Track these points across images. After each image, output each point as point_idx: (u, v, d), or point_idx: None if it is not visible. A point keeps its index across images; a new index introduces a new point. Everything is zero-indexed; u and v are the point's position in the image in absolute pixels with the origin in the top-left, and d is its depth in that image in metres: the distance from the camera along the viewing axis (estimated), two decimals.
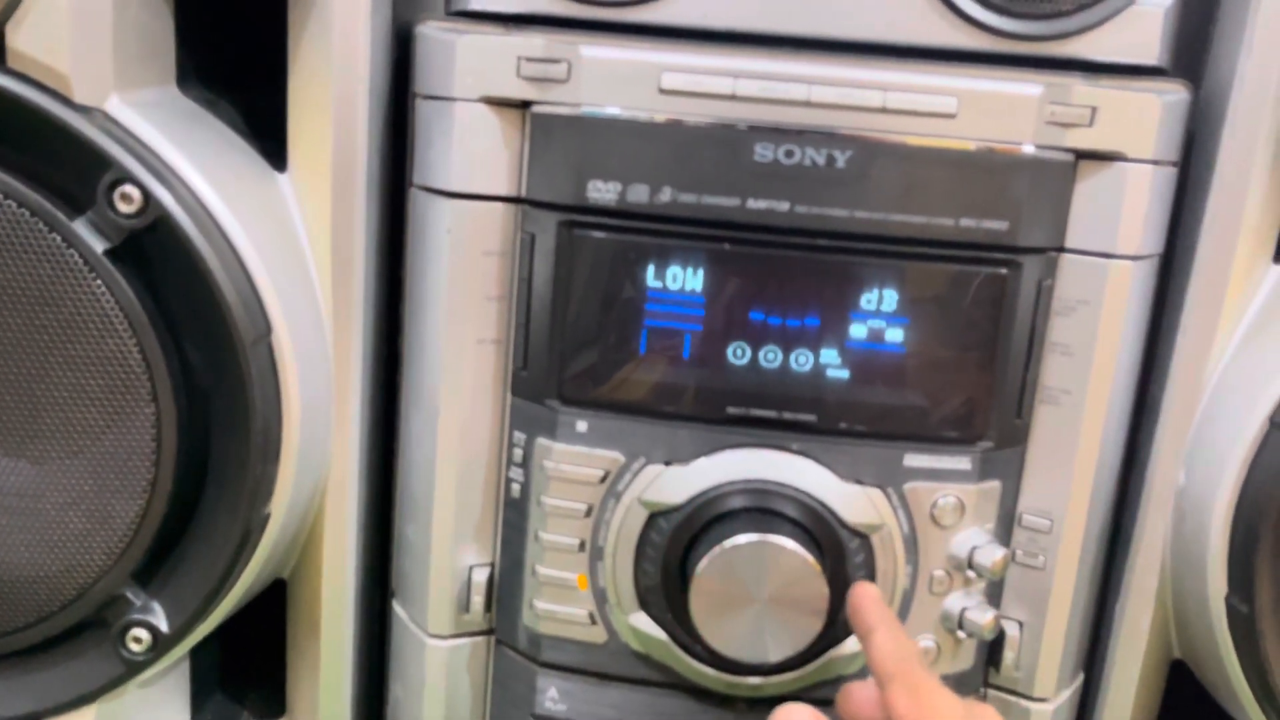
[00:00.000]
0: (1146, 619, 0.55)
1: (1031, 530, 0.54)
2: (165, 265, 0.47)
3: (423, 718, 0.57)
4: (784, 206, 0.49)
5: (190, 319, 0.48)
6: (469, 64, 0.49)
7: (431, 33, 0.51)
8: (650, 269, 0.50)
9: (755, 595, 0.48)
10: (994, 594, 0.54)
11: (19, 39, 0.44)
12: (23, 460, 0.48)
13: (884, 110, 0.48)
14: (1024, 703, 0.55)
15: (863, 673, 0.54)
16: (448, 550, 0.55)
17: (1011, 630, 0.55)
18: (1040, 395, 0.52)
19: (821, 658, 0.52)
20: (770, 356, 0.51)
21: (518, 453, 0.53)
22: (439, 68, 0.51)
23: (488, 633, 0.57)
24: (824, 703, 0.53)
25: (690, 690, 0.54)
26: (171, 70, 0.52)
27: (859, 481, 0.51)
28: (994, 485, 0.52)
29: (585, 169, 0.49)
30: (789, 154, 0.48)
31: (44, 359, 0.47)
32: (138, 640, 0.51)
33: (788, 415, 0.51)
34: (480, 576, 0.55)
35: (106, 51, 0.46)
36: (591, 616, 0.54)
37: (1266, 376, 0.50)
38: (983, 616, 0.52)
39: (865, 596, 0.48)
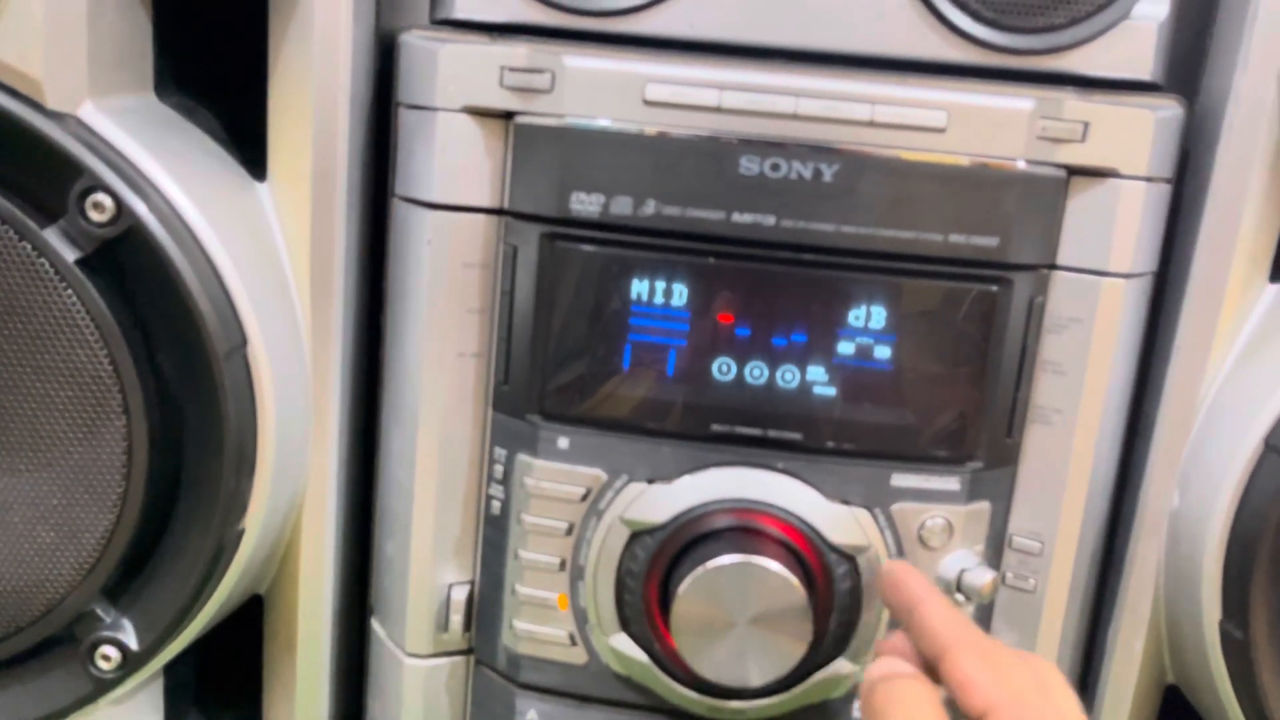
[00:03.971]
0: (1139, 644, 0.54)
1: (1022, 552, 0.53)
2: (138, 275, 0.47)
3: None
4: (770, 220, 0.48)
5: (163, 330, 0.47)
6: (452, 73, 0.49)
7: (414, 41, 0.50)
8: (634, 283, 0.49)
9: (738, 617, 0.47)
10: (984, 617, 0.53)
11: None
12: None
13: (872, 124, 0.47)
14: None
15: (849, 696, 0.53)
16: (427, 568, 0.54)
17: None
18: (1031, 415, 0.51)
19: (805, 682, 0.51)
20: (756, 373, 0.50)
21: (498, 469, 0.52)
22: (422, 77, 0.50)
23: (467, 652, 0.56)
24: None
25: (672, 714, 0.53)
26: (149, 77, 0.51)
27: (845, 501, 0.50)
28: (983, 506, 0.51)
29: (568, 181, 0.48)
30: (775, 167, 0.47)
31: (13, 370, 0.46)
32: (106, 658, 0.50)
33: (773, 433, 0.50)
34: (459, 595, 0.54)
35: (81, 57, 0.45)
36: (572, 637, 0.53)
37: (1262, 397, 0.49)
38: None
39: (906, 571, 0.46)
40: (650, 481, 0.50)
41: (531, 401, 0.51)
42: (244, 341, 0.48)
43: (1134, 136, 0.48)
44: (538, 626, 0.53)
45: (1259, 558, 0.48)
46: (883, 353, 0.49)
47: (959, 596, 0.51)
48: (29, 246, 0.45)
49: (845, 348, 0.49)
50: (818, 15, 0.50)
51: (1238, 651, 0.49)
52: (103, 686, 0.51)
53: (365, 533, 0.58)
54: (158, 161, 0.47)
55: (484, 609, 0.54)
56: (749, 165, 0.47)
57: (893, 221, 0.48)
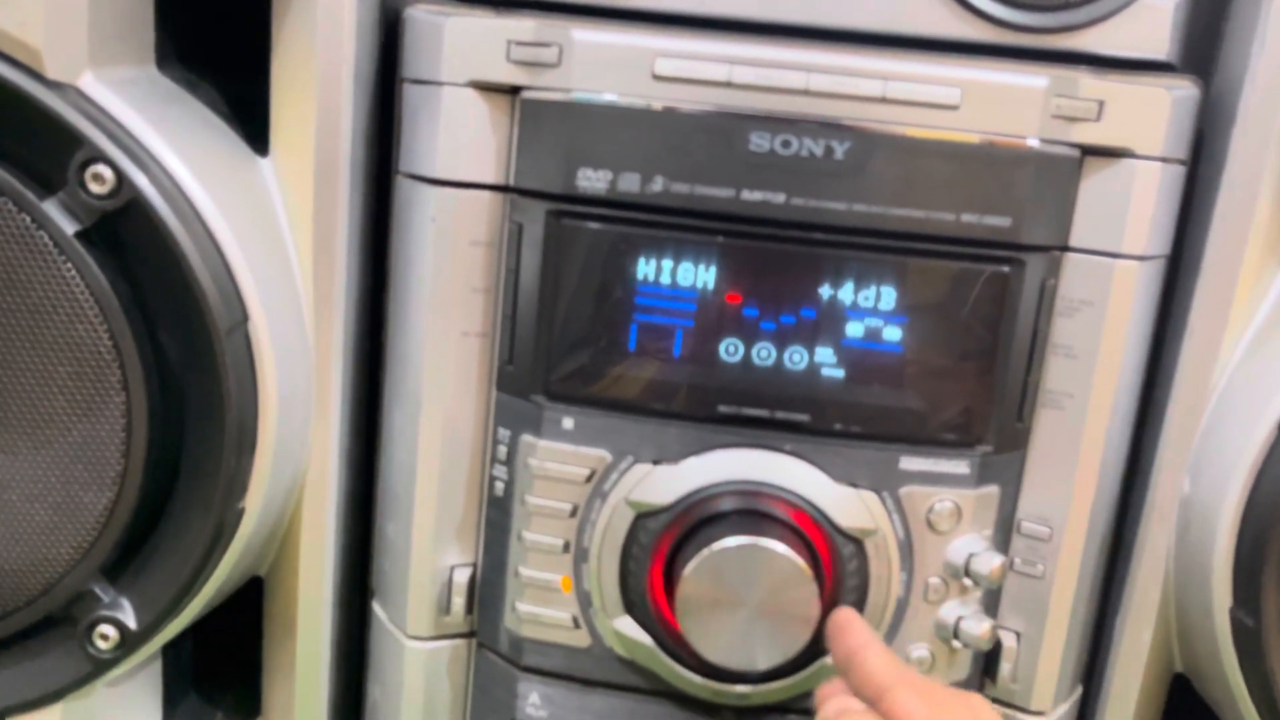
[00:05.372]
0: (1148, 631, 0.54)
1: (1031, 538, 0.52)
2: (139, 249, 0.46)
3: None
4: (780, 198, 0.47)
5: (164, 305, 0.47)
6: (457, 47, 0.48)
7: (419, 15, 0.50)
8: (641, 262, 0.49)
9: (744, 600, 0.47)
10: (991, 603, 0.53)
11: None
12: None
13: (884, 100, 0.46)
14: (1020, 716, 0.54)
15: None
16: (428, 549, 0.54)
17: (1008, 641, 0.53)
18: (1042, 398, 0.51)
19: (811, 666, 0.51)
20: (764, 354, 0.49)
21: (502, 450, 0.52)
22: (426, 51, 0.49)
23: (469, 635, 0.55)
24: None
25: (676, 698, 0.53)
26: (150, 49, 0.50)
27: (853, 484, 0.50)
28: (993, 490, 0.51)
29: (575, 157, 0.47)
30: (786, 144, 0.47)
31: (11, 345, 0.45)
32: (105, 638, 0.49)
33: (781, 415, 0.49)
34: (461, 577, 0.54)
35: (81, 27, 0.44)
36: (575, 620, 0.52)
37: (1275, 383, 0.49)
38: (979, 626, 0.51)
39: (851, 618, 0.47)
40: (656, 463, 0.50)
41: (536, 382, 0.50)
42: (245, 318, 0.48)
43: (1149, 116, 0.47)
44: (541, 609, 0.52)
45: (1271, 544, 0.48)
46: (892, 334, 0.49)
47: (966, 581, 0.51)
48: (28, 219, 0.44)
49: (854, 329, 0.49)
50: None
51: (1248, 639, 0.49)
52: (101, 666, 0.50)
53: (366, 514, 0.58)
54: (159, 134, 0.46)
55: (486, 591, 0.54)
56: (759, 142, 0.47)
57: (904, 200, 0.47)
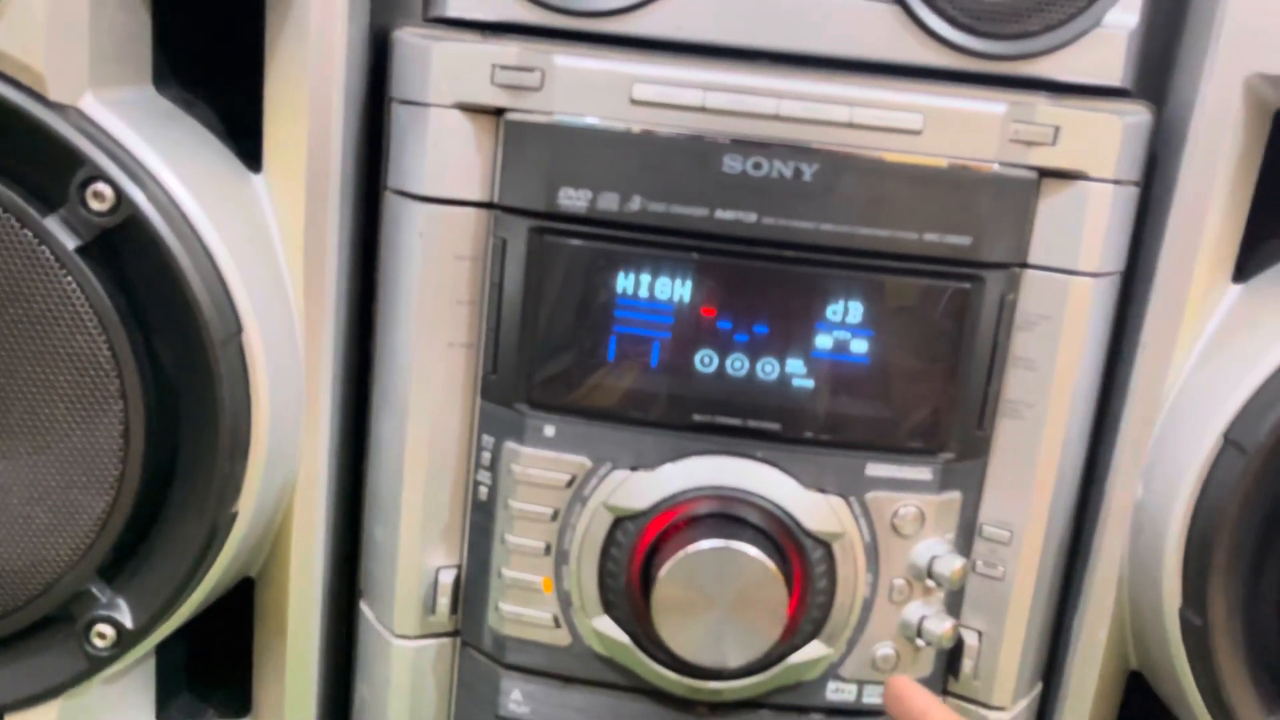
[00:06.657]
0: (1104, 630, 0.55)
1: (991, 541, 0.54)
2: (137, 263, 0.47)
3: (388, 718, 0.57)
4: (751, 218, 0.49)
5: (161, 317, 0.48)
6: (444, 70, 0.50)
7: (408, 38, 0.52)
8: (619, 277, 0.50)
9: (717, 601, 0.49)
10: (953, 603, 0.55)
11: None
12: None
13: (850, 125, 0.48)
14: (982, 711, 0.56)
15: (823, 678, 0.54)
16: (415, 552, 0.55)
17: (970, 639, 0.55)
18: (1002, 408, 0.53)
19: (780, 664, 0.53)
20: (737, 365, 0.51)
21: (486, 456, 0.54)
22: (415, 73, 0.51)
23: (453, 634, 0.57)
24: (787, 708, 0.54)
25: (652, 694, 0.54)
26: (148, 70, 0.52)
27: (822, 490, 0.52)
28: (955, 496, 0.53)
29: (556, 176, 0.49)
30: (757, 166, 0.49)
31: (13, 354, 0.47)
32: (102, 636, 0.51)
33: (753, 423, 0.51)
34: (447, 578, 0.55)
35: (82, 50, 0.46)
36: (556, 619, 0.54)
37: (1223, 393, 0.51)
38: (941, 625, 0.53)
39: (908, 684, 0.47)
40: (633, 469, 0.52)
41: (519, 391, 0.52)
42: (239, 329, 0.49)
43: (1103, 140, 0.49)
44: (523, 609, 0.54)
45: (1217, 547, 0.50)
46: (859, 347, 0.51)
47: (930, 583, 0.53)
48: (30, 234, 0.45)
49: (823, 341, 0.51)
50: (801, 19, 0.51)
51: (1196, 638, 0.51)
52: (97, 664, 0.51)
53: (355, 517, 0.59)
54: (156, 152, 0.48)
55: (470, 592, 0.55)
56: (732, 164, 0.49)
57: (870, 220, 0.49)
